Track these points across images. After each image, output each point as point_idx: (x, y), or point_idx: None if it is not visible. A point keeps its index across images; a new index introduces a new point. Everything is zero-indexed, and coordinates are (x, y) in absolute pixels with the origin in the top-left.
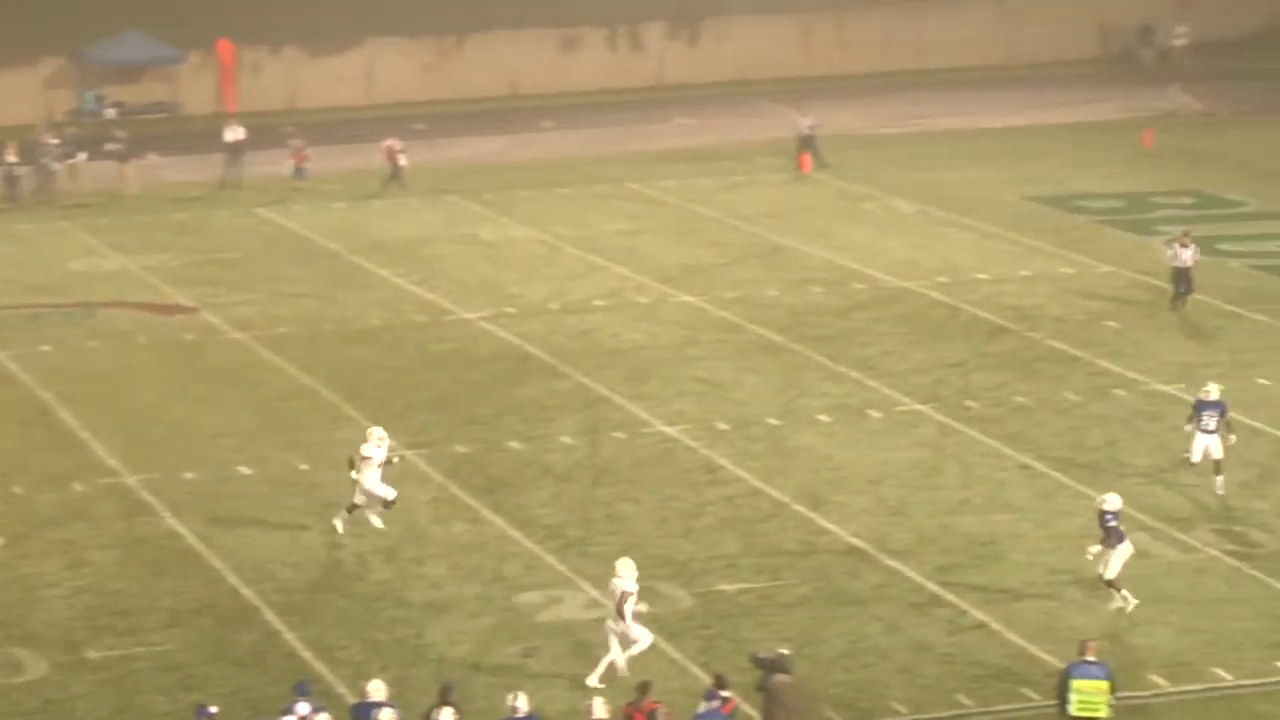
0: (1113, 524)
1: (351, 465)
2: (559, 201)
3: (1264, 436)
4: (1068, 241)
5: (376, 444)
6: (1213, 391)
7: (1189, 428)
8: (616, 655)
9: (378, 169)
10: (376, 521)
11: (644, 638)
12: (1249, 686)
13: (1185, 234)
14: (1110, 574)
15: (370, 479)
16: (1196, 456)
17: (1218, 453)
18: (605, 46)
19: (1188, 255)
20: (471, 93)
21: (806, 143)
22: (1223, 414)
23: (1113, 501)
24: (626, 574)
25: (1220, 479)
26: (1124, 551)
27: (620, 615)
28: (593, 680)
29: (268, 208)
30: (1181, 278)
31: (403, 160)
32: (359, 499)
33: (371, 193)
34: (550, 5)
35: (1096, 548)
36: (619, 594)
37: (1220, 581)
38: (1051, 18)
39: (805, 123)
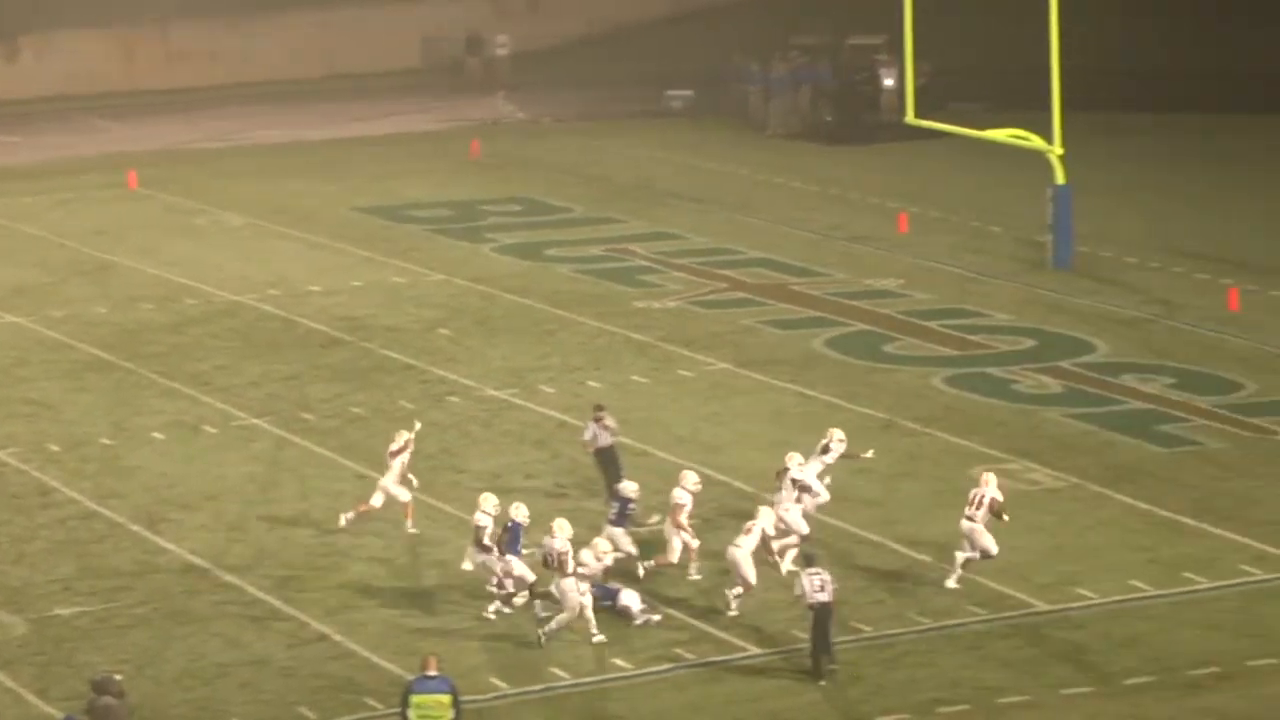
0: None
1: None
2: None
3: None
4: (399, 251)
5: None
6: None
7: None
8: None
9: None
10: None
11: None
12: (586, 685)
13: (600, 409)
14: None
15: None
16: None
17: None
18: None
19: (607, 436)
20: None
21: None
22: None
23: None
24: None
25: None
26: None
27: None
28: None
29: None
30: (608, 461)
31: None
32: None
33: None
34: None
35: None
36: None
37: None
38: (375, 29)
39: None
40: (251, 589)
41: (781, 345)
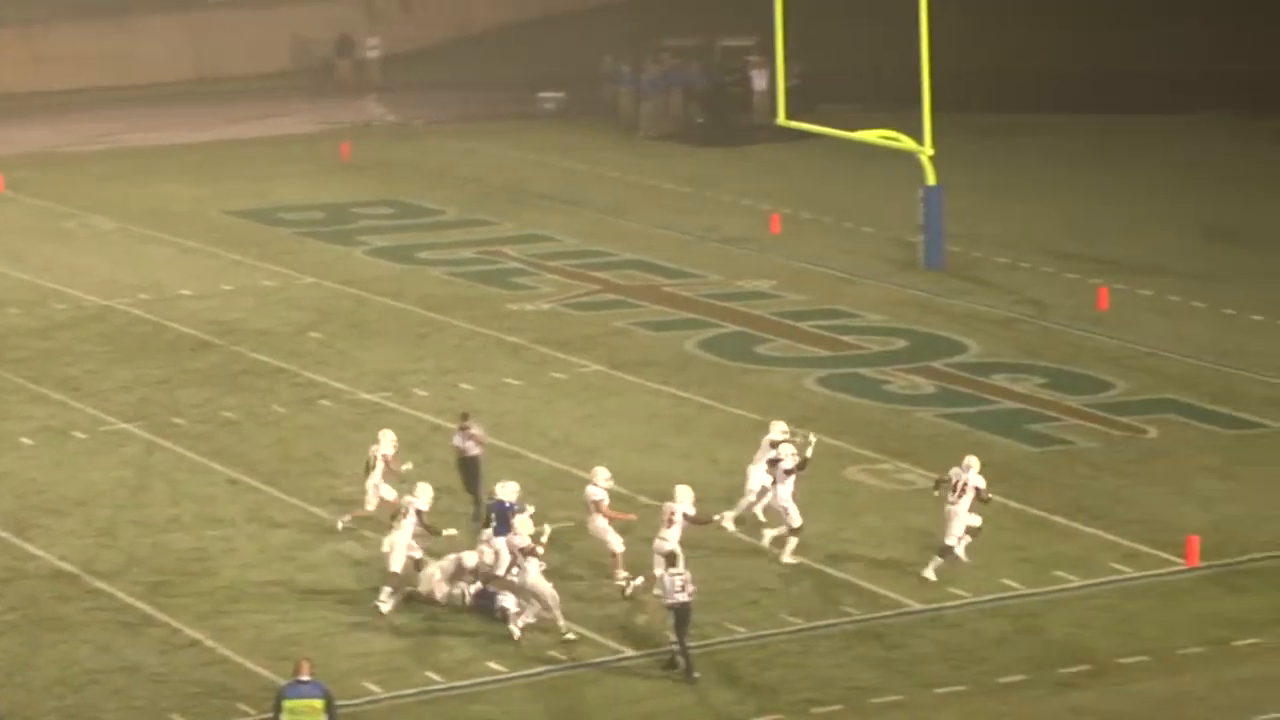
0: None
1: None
2: None
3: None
4: (270, 254)
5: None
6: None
7: None
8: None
9: None
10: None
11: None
12: (460, 688)
13: (465, 418)
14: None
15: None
16: None
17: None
18: None
19: (474, 445)
20: None
21: None
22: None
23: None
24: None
25: None
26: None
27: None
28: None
29: None
30: (470, 470)
31: None
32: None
33: None
34: None
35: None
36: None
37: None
38: (245, 31)
39: None
40: (122, 595)
41: (654, 347)
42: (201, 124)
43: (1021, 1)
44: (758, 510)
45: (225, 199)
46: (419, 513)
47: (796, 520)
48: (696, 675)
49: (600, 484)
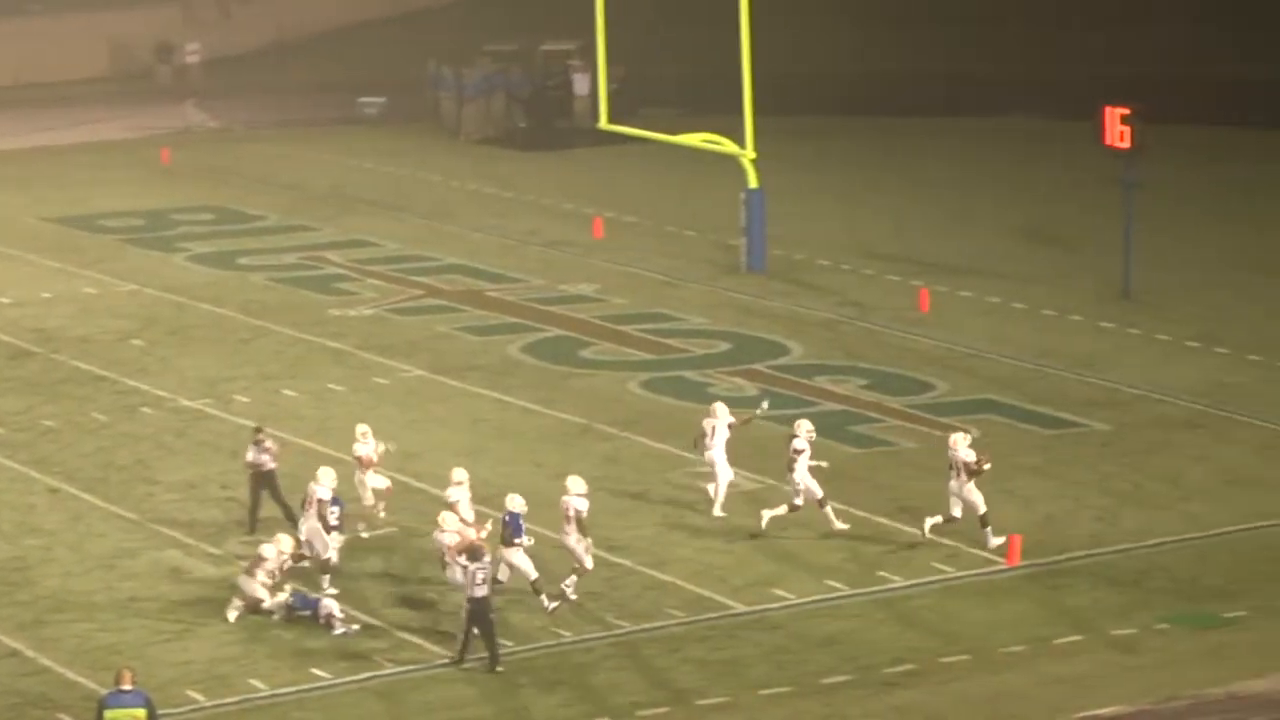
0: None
1: None
2: None
3: (290, 447)
4: (90, 261)
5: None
6: None
7: None
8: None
9: None
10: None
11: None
12: (284, 695)
13: (259, 430)
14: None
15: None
16: None
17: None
18: None
19: (269, 459)
20: None
21: None
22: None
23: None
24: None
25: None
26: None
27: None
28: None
29: None
30: (268, 482)
31: None
32: None
33: None
34: None
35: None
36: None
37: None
38: (63, 36)
39: None
40: None
41: (478, 351)
42: (20, 130)
43: (842, 6)
44: (710, 490)
45: (45, 206)
46: (320, 501)
47: (819, 492)
48: (466, 667)
49: (458, 480)
